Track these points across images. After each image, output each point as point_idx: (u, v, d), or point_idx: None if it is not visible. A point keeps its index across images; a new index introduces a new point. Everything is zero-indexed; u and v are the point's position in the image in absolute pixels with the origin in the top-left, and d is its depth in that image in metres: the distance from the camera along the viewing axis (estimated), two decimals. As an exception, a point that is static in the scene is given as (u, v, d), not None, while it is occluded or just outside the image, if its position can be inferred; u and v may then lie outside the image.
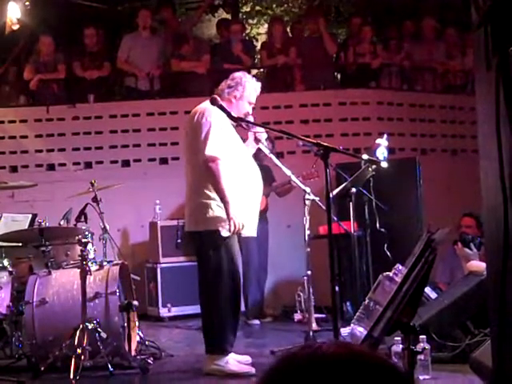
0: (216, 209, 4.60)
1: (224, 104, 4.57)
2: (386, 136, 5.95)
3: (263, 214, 6.80)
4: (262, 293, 7.15)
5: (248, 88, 4.79)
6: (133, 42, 8.51)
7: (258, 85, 4.87)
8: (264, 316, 7.13)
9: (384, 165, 5.16)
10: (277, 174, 6.45)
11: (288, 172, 5.21)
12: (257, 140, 4.84)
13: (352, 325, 3.55)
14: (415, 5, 10.17)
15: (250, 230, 4.80)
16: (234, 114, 4.54)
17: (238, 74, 4.86)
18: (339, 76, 9.14)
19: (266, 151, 4.97)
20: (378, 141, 5.89)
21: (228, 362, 4.62)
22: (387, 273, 3.32)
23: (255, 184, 4.80)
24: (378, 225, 6.11)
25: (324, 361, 1.16)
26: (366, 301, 3.44)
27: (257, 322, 6.96)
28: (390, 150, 6.21)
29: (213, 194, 4.60)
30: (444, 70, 8.86)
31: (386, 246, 5.99)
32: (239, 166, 4.70)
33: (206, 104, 4.72)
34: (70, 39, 9.10)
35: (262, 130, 4.79)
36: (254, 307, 7.06)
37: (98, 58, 8.46)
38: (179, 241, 7.18)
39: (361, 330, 3.37)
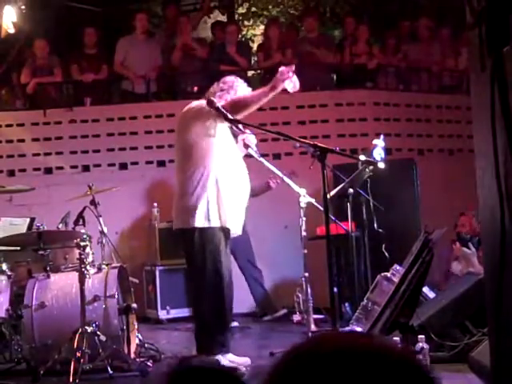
0: (203, 206, 4.61)
1: None
2: (382, 136, 5.95)
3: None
4: (263, 287, 7.10)
5: (239, 92, 4.80)
6: (129, 44, 8.51)
7: (249, 90, 4.88)
8: (276, 310, 7.05)
9: (381, 165, 5.16)
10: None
11: (280, 174, 5.23)
12: (246, 145, 4.85)
13: (351, 325, 3.56)
14: (411, 5, 10.18)
15: (238, 229, 4.84)
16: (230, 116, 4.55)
17: (229, 78, 4.86)
18: (335, 77, 9.14)
19: (256, 156, 4.99)
20: (375, 141, 5.90)
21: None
22: (385, 273, 3.33)
23: (244, 184, 4.83)
24: (375, 225, 6.11)
25: (328, 353, 1.15)
26: (365, 301, 3.45)
27: (268, 317, 6.94)
28: (387, 151, 6.21)
29: (201, 193, 4.62)
30: (440, 70, 8.87)
31: (383, 246, 5.99)
32: (230, 164, 4.72)
33: (198, 102, 4.73)
34: (66, 42, 9.10)
35: (259, 131, 4.79)
36: (262, 303, 7.03)
37: (96, 60, 8.46)
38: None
39: (359, 331, 3.37)
